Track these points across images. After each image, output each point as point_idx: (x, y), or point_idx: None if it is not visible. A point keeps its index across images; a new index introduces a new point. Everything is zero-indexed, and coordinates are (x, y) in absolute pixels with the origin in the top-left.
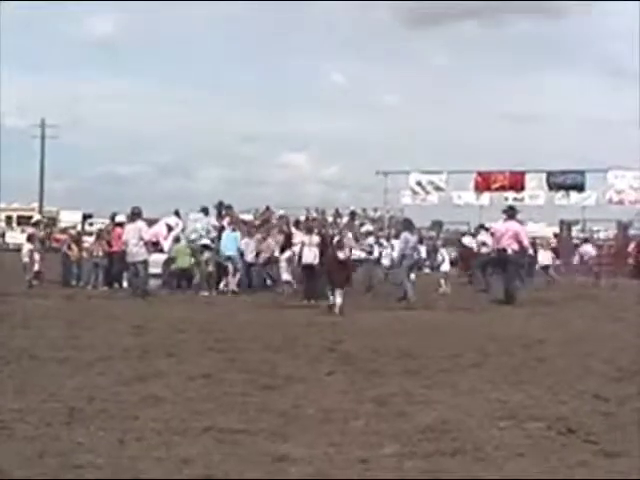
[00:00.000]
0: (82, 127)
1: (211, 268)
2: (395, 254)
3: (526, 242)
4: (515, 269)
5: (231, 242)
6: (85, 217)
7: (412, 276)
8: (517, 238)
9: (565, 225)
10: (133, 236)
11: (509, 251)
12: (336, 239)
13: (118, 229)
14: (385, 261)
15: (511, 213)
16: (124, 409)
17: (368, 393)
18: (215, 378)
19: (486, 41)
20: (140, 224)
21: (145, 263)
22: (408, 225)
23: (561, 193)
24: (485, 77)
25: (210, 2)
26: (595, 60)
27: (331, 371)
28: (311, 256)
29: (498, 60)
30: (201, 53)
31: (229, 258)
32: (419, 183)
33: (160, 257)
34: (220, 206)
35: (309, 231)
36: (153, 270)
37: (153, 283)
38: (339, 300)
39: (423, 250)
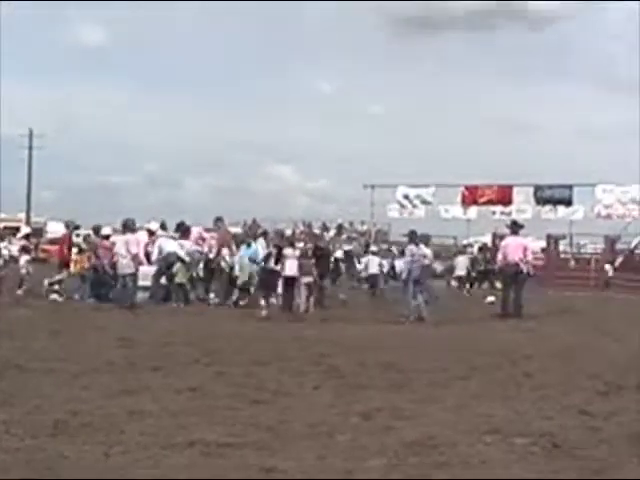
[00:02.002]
0: (70, 137)
1: (182, 279)
2: (401, 268)
3: (530, 257)
4: (524, 283)
5: (249, 256)
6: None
7: (418, 290)
8: (525, 253)
9: (552, 239)
10: (123, 248)
11: (521, 265)
12: (270, 250)
13: (105, 241)
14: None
15: (515, 228)
16: (110, 422)
17: (354, 407)
18: (202, 391)
19: (475, 51)
20: (129, 237)
21: (133, 276)
22: (413, 237)
23: (548, 207)
24: (474, 88)
25: (200, 11)
26: (586, 72)
27: (317, 385)
28: (293, 268)
29: (487, 70)
30: (191, 64)
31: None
32: (406, 197)
33: (150, 269)
34: (181, 226)
35: (291, 244)
36: (143, 283)
37: (141, 296)
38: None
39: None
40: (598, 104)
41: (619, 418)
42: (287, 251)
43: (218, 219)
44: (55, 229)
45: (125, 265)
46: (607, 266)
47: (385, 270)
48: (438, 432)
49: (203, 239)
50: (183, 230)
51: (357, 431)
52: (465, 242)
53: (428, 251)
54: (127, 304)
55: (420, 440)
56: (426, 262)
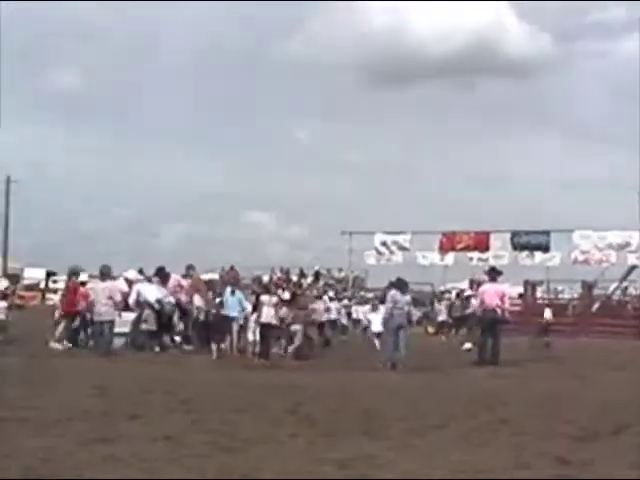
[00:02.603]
0: (48, 183)
1: (152, 327)
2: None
3: (507, 304)
4: (501, 329)
5: (235, 303)
6: (49, 275)
7: (401, 338)
8: (503, 299)
9: (529, 285)
10: (102, 295)
11: (498, 312)
12: (222, 299)
13: (81, 288)
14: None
15: (494, 275)
16: (81, 470)
17: (329, 456)
18: (177, 440)
19: (452, 102)
20: (109, 284)
21: (112, 323)
22: (399, 284)
23: (525, 253)
24: (451, 138)
25: (177, 58)
26: (561, 123)
27: (292, 433)
28: (269, 315)
29: (465, 120)
30: (167, 109)
31: (233, 319)
32: (384, 243)
33: (130, 316)
34: (160, 271)
35: (267, 290)
36: (119, 329)
37: (117, 342)
38: (215, 348)
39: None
40: (574, 155)
41: (596, 465)
42: (264, 298)
43: (189, 267)
44: (32, 275)
45: (105, 312)
46: (547, 311)
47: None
48: None
49: (181, 287)
50: (162, 276)
51: None
52: (442, 288)
53: (409, 298)
54: (104, 352)
55: None
56: (407, 309)
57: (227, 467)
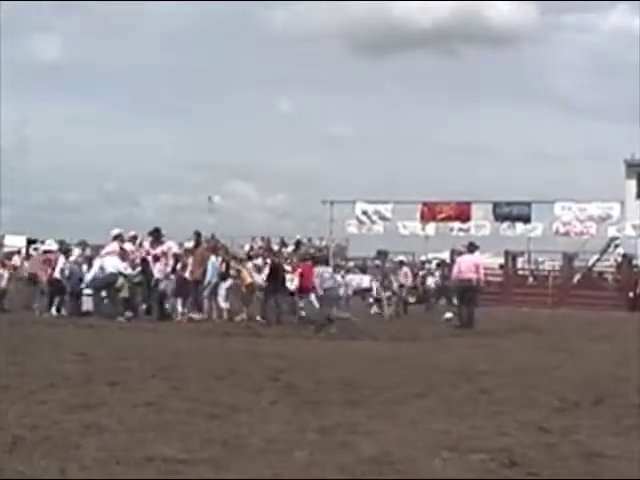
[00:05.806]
0: (28, 152)
1: (125, 294)
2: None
3: (482, 275)
4: (475, 297)
5: (213, 268)
6: (30, 242)
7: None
8: (477, 270)
9: (510, 256)
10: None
11: (473, 281)
12: (186, 262)
13: (48, 255)
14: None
15: (472, 248)
16: (67, 438)
17: (311, 423)
18: (158, 406)
19: (437, 71)
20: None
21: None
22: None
23: (507, 224)
24: (435, 107)
25: (160, 29)
26: (544, 93)
27: (274, 401)
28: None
29: (449, 91)
30: (150, 80)
31: (210, 284)
32: (365, 212)
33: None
34: (155, 233)
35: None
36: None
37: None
38: (182, 309)
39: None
40: (554, 127)
41: (575, 435)
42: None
43: (197, 234)
44: (12, 242)
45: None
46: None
47: None
48: (395, 448)
49: (164, 254)
50: (156, 237)
51: (314, 447)
52: (424, 258)
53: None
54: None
55: (377, 456)
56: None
57: (210, 434)
